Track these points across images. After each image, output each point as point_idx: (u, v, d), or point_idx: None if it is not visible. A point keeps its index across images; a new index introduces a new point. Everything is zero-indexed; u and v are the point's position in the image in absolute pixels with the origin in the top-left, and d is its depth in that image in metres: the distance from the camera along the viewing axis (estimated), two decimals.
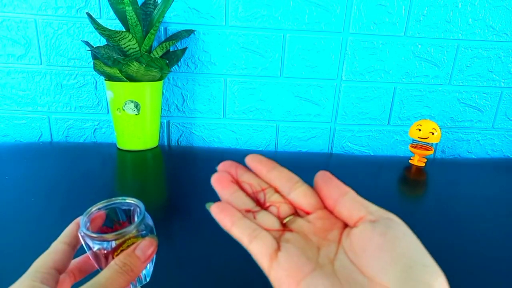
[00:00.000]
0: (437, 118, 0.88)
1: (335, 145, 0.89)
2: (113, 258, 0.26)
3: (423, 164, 0.77)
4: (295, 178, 0.26)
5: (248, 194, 0.26)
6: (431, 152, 0.76)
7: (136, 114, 0.72)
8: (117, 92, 0.71)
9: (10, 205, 0.51)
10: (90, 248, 0.27)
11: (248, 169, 0.27)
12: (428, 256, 0.20)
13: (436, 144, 0.90)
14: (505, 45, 0.83)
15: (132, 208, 0.30)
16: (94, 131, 0.83)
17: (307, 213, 0.25)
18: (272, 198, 0.26)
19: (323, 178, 0.25)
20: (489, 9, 0.80)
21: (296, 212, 0.26)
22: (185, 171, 0.68)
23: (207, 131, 0.86)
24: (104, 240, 0.26)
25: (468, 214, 0.58)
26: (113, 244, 0.26)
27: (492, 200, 0.64)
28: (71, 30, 0.75)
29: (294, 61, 0.81)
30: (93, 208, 0.29)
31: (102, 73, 0.70)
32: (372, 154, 0.91)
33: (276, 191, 0.26)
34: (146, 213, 0.29)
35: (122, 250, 0.26)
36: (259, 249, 0.22)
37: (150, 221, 0.29)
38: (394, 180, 0.71)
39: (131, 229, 0.27)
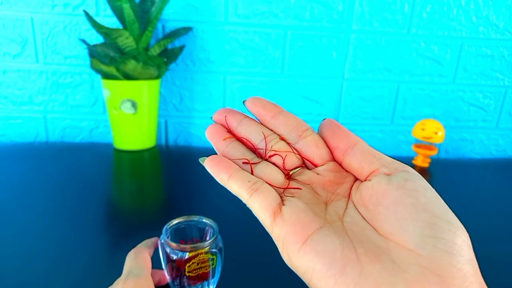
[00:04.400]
0: (441, 118, 0.86)
1: None
2: (184, 269, 0.30)
3: (427, 165, 0.75)
4: (304, 125, 0.23)
5: (246, 145, 0.23)
6: (435, 152, 0.74)
7: (133, 113, 0.71)
8: (114, 91, 0.69)
9: (5, 206, 0.50)
10: (166, 255, 0.30)
11: (247, 116, 0.24)
12: (450, 212, 0.18)
13: (440, 144, 0.88)
14: (509, 43, 0.81)
15: (206, 228, 0.33)
16: (90, 131, 0.82)
17: (316, 166, 0.22)
18: (276, 147, 0.22)
19: (330, 126, 0.22)
20: (493, 7, 0.78)
21: (304, 164, 0.23)
22: (183, 171, 0.67)
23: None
24: (181, 250, 0.30)
25: (472, 214, 0.56)
26: (186, 255, 0.30)
27: (496, 200, 0.63)
28: (68, 28, 0.74)
29: (295, 59, 0.80)
30: (174, 221, 0.33)
31: (98, 71, 0.68)
32: None
33: (282, 139, 0.23)
34: (218, 234, 0.32)
35: (193, 263, 0.30)
36: (260, 203, 0.19)
37: (220, 243, 0.32)
38: None
39: (205, 245, 0.30)
